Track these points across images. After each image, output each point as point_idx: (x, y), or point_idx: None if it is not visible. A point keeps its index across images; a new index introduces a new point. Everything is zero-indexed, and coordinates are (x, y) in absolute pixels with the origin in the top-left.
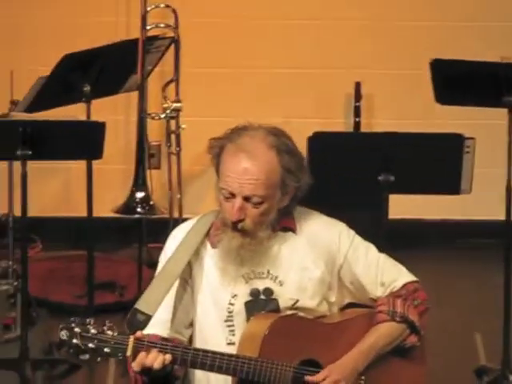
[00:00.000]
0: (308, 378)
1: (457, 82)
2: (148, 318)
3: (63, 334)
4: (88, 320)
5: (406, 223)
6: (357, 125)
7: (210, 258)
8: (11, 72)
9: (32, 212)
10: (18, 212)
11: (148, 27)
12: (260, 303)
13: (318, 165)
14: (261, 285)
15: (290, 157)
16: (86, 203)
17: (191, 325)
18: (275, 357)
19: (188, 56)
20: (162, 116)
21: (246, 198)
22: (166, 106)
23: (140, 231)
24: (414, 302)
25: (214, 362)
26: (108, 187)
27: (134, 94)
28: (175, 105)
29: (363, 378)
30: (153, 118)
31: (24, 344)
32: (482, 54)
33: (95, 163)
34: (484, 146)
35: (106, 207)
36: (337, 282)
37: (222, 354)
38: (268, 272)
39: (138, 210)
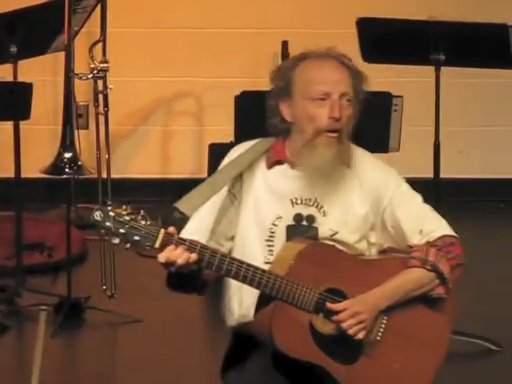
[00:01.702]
0: (329, 304)
1: (384, 40)
2: (184, 217)
3: (97, 215)
4: (124, 206)
5: None
6: None
7: (263, 177)
8: None
9: None
10: None
11: None
12: (301, 229)
13: (245, 123)
14: (305, 211)
15: (356, 71)
16: (13, 164)
17: (232, 238)
18: (302, 280)
19: (115, 16)
20: (90, 76)
21: (341, 95)
22: (93, 66)
23: (68, 191)
24: (448, 254)
25: (239, 270)
26: (36, 148)
27: (61, 55)
28: (102, 65)
29: (385, 318)
30: (80, 79)
31: None
32: (409, 12)
33: (23, 124)
34: (413, 104)
35: (33, 168)
36: (380, 224)
37: (249, 265)
38: (315, 200)
39: (66, 170)
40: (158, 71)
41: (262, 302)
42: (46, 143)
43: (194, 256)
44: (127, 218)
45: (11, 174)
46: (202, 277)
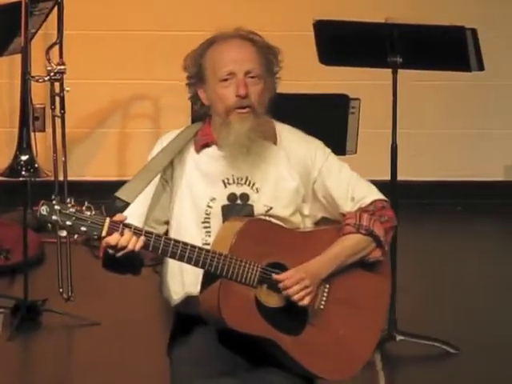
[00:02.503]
0: (275, 275)
1: (341, 42)
2: (126, 205)
3: (43, 209)
4: (68, 199)
5: None
6: None
7: (194, 162)
8: None
9: None
10: None
11: None
12: (236, 208)
13: None
14: (238, 190)
15: (265, 45)
16: None
17: (165, 223)
18: (245, 257)
19: (71, 18)
20: (46, 79)
21: (246, 73)
22: (49, 68)
23: (25, 194)
24: (381, 218)
25: (184, 252)
26: None
27: (18, 57)
28: (59, 67)
29: (327, 286)
30: (37, 81)
31: None
32: (367, 14)
33: None
34: (370, 107)
35: None
36: (311, 195)
37: (193, 246)
38: (246, 179)
39: (23, 172)
40: (115, 73)
41: (207, 280)
42: (3, 146)
43: (140, 243)
44: (72, 210)
45: None
46: (138, 258)
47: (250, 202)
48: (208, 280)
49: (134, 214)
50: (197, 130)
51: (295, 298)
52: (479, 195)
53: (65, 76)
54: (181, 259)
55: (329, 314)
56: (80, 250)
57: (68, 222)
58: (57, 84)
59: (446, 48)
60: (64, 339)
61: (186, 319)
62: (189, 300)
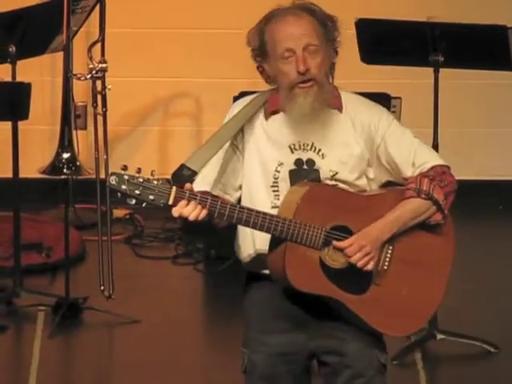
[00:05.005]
0: (335, 243)
1: (382, 41)
2: (193, 173)
3: (113, 179)
4: (137, 169)
5: None
6: None
7: (262, 128)
8: None
9: None
10: None
11: None
12: (303, 172)
13: None
14: (305, 156)
15: (323, 14)
16: (11, 164)
17: (240, 188)
18: (309, 221)
19: (113, 16)
20: (88, 77)
21: (305, 48)
22: (91, 66)
23: (66, 192)
24: (441, 183)
25: (249, 217)
26: (34, 148)
27: (60, 55)
28: (101, 65)
29: (391, 247)
30: (79, 79)
31: None
32: (408, 13)
33: (21, 124)
34: (411, 106)
35: (32, 168)
36: (375, 159)
37: (258, 212)
38: (312, 144)
39: (65, 170)
40: (157, 71)
41: (275, 241)
42: (45, 143)
43: (204, 211)
44: (140, 179)
45: (9, 175)
46: (209, 224)
47: (316, 167)
48: (275, 241)
49: (209, 182)
50: (267, 97)
51: (359, 264)
52: None
53: (106, 74)
54: (246, 225)
55: (393, 273)
56: (121, 248)
57: (136, 191)
58: (98, 82)
59: (488, 47)
60: (105, 337)
61: (255, 277)
62: (259, 259)
